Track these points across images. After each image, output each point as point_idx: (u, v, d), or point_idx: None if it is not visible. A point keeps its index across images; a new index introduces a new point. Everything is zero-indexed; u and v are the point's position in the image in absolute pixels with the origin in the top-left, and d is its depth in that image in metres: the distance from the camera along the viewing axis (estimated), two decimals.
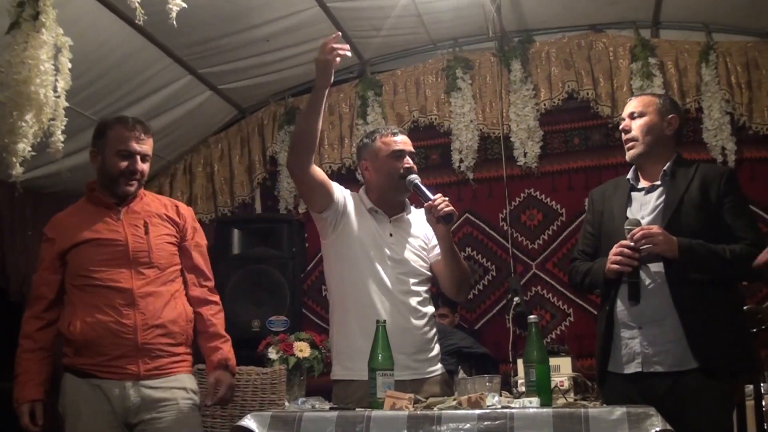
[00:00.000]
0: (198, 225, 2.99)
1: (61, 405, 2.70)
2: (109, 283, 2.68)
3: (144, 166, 2.79)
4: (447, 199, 2.71)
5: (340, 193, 2.85)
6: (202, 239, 2.97)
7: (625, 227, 2.66)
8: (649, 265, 2.64)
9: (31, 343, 2.70)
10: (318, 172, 2.77)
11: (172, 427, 2.66)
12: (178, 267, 2.86)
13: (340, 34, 2.66)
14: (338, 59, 2.59)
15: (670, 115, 2.79)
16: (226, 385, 2.83)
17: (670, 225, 2.63)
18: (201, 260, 2.92)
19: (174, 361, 2.74)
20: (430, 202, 2.70)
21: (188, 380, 2.79)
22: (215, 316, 2.90)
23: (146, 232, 2.77)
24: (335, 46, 2.58)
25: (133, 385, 2.65)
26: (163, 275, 2.77)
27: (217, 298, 2.95)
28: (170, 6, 2.84)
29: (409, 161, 2.83)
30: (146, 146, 2.79)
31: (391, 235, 2.84)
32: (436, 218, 2.70)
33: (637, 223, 2.65)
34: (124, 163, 2.74)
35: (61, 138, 2.87)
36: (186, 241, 2.89)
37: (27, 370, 2.67)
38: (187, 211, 2.95)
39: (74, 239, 2.72)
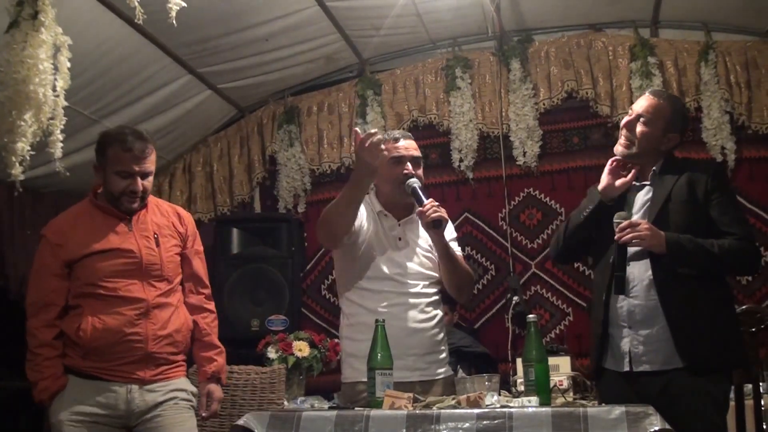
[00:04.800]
0: (196, 230, 2.98)
1: (57, 402, 2.64)
2: (121, 293, 2.67)
3: (146, 183, 2.74)
4: (437, 204, 2.70)
5: (360, 220, 2.80)
6: (200, 245, 2.97)
7: (614, 221, 2.66)
8: (637, 263, 2.64)
9: (51, 350, 2.66)
10: (352, 230, 2.72)
11: (171, 425, 2.67)
12: (181, 276, 2.87)
13: (376, 132, 2.57)
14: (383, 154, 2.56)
15: (672, 134, 2.75)
16: (218, 399, 2.86)
17: (657, 221, 2.63)
18: (200, 268, 2.93)
19: (174, 367, 2.77)
20: (421, 207, 2.70)
21: (186, 383, 2.82)
22: (210, 325, 2.91)
23: (157, 245, 2.76)
24: (375, 142, 2.52)
25: (138, 389, 2.66)
26: (171, 286, 2.79)
27: (212, 305, 2.96)
28: (170, 5, 2.84)
29: (408, 167, 2.82)
30: (147, 164, 2.72)
31: (399, 238, 2.84)
32: (425, 224, 2.71)
33: (627, 217, 2.66)
34: (124, 183, 2.70)
35: (60, 137, 2.88)
36: (187, 248, 2.89)
37: (51, 375, 2.64)
38: (187, 217, 2.95)
39: (85, 249, 2.67)
